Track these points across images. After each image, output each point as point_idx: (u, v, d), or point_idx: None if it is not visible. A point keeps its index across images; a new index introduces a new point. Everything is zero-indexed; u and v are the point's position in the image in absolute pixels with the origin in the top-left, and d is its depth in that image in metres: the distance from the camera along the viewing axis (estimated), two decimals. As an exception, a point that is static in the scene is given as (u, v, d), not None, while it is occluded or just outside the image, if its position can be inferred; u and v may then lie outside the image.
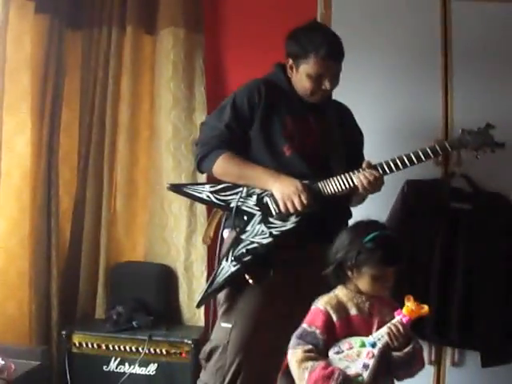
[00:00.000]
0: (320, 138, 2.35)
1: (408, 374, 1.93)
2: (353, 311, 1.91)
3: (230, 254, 2.19)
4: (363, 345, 1.84)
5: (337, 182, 2.22)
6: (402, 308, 1.88)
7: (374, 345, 1.84)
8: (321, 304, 1.93)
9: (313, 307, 1.95)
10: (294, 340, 1.91)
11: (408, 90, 3.00)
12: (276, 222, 2.22)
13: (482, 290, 2.76)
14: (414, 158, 2.21)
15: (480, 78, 2.93)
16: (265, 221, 2.23)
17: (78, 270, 3.35)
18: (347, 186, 2.20)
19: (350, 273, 1.94)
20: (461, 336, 2.77)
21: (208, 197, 2.31)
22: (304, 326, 1.92)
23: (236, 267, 2.17)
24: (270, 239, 2.19)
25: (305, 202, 2.16)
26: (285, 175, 2.24)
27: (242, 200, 2.27)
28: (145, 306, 3.15)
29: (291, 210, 2.18)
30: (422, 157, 2.21)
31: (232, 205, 2.27)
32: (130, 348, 2.96)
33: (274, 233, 2.20)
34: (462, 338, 2.79)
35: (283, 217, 2.22)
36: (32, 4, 3.11)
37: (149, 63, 3.44)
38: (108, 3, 3.39)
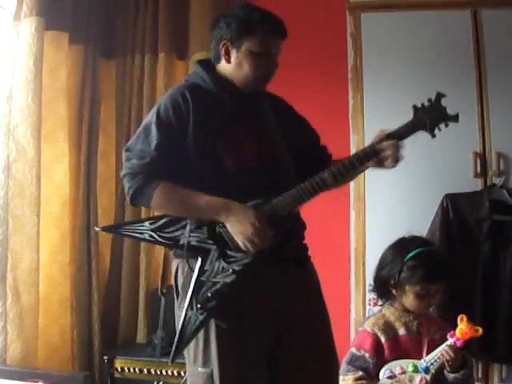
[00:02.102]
0: (261, 142, 2.07)
1: (462, 393, 1.89)
2: (401, 331, 1.87)
3: (194, 301, 1.92)
4: (416, 369, 1.79)
5: (294, 196, 1.95)
6: (454, 329, 1.82)
7: (426, 370, 1.79)
8: (367, 326, 1.90)
9: (360, 329, 1.92)
10: (343, 366, 1.87)
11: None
12: (235, 254, 1.94)
13: (529, 303, 2.70)
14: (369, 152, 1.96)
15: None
16: (223, 256, 1.95)
17: (119, 295, 3.38)
18: (307, 197, 1.96)
19: (394, 290, 1.91)
20: (508, 351, 2.71)
21: (151, 236, 1.99)
22: (352, 350, 1.88)
23: (203, 315, 1.92)
24: (233, 276, 1.92)
25: (265, 241, 1.91)
26: (236, 205, 1.94)
27: (192, 235, 1.96)
28: (185, 330, 3.14)
29: (252, 250, 1.91)
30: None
31: (181, 242, 1.97)
32: (172, 372, 2.95)
33: (237, 268, 1.93)
34: (510, 354, 2.72)
35: (242, 248, 1.94)
36: (66, 35, 3.18)
37: (182, 88, 3.47)
38: (140, 31, 3.46)
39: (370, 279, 2.62)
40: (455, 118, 1.97)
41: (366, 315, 2.72)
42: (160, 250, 3.36)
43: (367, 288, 2.74)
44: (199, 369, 2.01)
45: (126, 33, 3.51)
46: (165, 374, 2.96)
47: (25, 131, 2.92)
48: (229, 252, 1.95)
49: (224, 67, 2.08)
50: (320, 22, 3.37)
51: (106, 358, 3.04)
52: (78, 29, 3.27)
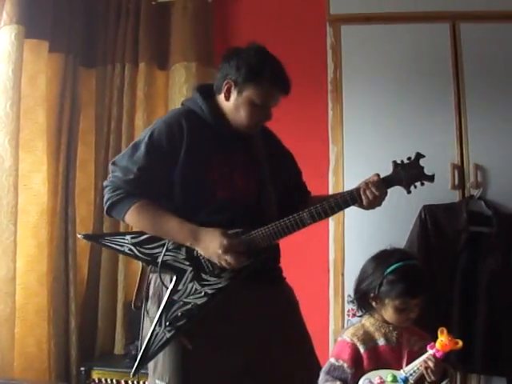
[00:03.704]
0: (249, 177, 2.14)
1: (443, 404, 1.89)
2: (380, 341, 1.86)
3: (163, 318, 1.97)
4: (395, 379, 1.78)
5: (273, 231, 2.01)
6: (434, 340, 1.82)
7: (405, 380, 1.78)
8: (346, 336, 1.89)
9: (339, 339, 1.91)
10: (322, 376, 1.86)
11: (420, 119, 2.98)
12: (210, 278, 2.01)
13: (506, 314, 2.71)
14: (349, 200, 2.06)
15: (494, 101, 2.92)
16: (197, 278, 2.01)
17: (97, 306, 3.36)
18: (284, 233, 2.03)
19: (373, 303, 1.91)
20: (486, 362, 2.72)
21: (131, 250, 2.04)
22: (331, 360, 1.88)
23: (171, 333, 1.97)
24: (204, 299, 1.99)
25: (238, 257, 1.96)
26: (202, 230, 1.99)
27: (170, 254, 2.02)
28: (164, 341, 3.12)
29: (228, 268, 1.98)
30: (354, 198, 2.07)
31: (158, 260, 2.02)
32: (150, 383, 2.93)
33: (209, 292, 2.00)
34: (487, 364, 2.74)
35: (217, 273, 2.01)
36: (46, 43, 3.18)
37: (162, 98, 3.48)
38: (120, 41, 3.46)
39: (348, 290, 2.62)
40: (431, 178, 2.08)
41: (345, 326, 2.72)
42: (138, 262, 3.35)
43: (346, 299, 2.76)
44: (156, 381, 2.05)
45: (106, 42, 3.51)
46: (142, 385, 2.94)
47: (3, 139, 2.91)
48: (203, 275, 2.01)
49: (222, 102, 2.13)
50: (300, 33, 3.39)
51: (83, 369, 3.03)
52: (58, 37, 3.27)
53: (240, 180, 2.12)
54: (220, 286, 2.01)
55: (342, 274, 2.96)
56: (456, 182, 2.89)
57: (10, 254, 2.89)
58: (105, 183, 2.11)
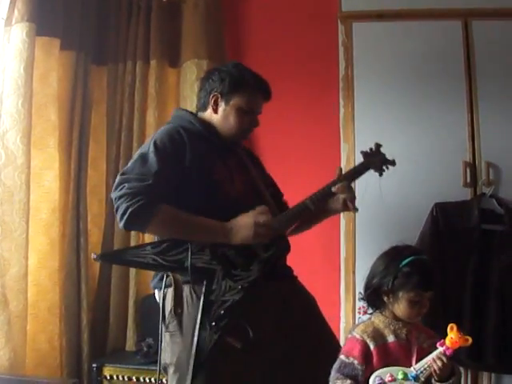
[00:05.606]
0: (245, 181, 2.23)
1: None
2: (390, 338, 1.87)
3: (206, 321, 1.97)
4: (406, 377, 1.78)
5: (288, 217, 2.15)
6: (443, 338, 1.82)
7: (416, 378, 1.79)
8: (356, 333, 1.90)
9: (349, 336, 1.92)
10: (333, 373, 1.87)
11: (432, 117, 2.98)
12: (241, 273, 2.04)
13: (518, 312, 2.71)
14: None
15: (506, 99, 2.91)
16: (229, 275, 2.02)
17: (108, 303, 3.36)
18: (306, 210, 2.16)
19: (386, 298, 1.92)
20: (497, 360, 2.71)
21: (154, 260, 1.98)
22: (341, 357, 1.88)
23: (218, 334, 1.96)
24: (241, 293, 2.01)
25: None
26: (227, 224, 2.05)
27: (195, 257, 2.01)
28: (175, 337, 3.13)
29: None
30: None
31: (186, 264, 1.99)
32: (161, 381, 2.93)
33: (245, 285, 2.03)
34: (499, 362, 2.73)
35: (246, 265, 2.05)
36: (58, 41, 3.18)
37: (173, 95, 3.50)
38: (132, 38, 3.47)
39: (359, 288, 2.61)
40: (393, 162, 2.33)
41: (356, 324, 2.72)
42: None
43: (357, 296, 2.76)
44: None
45: (117, 39, 3.51)
46: (154, 381, 2.94)
47: (15, 137, 2.91)
48: (234, 271, 2.04)
49: (210, 116, 2.26)
50: (312, 30, 3.39)
51: (94, 365, 3.03)
52: (69, 35, 3.27)
53: (239, 183, 2.21)
54: (252, 278, 2.05)
55: (353, 272, 2.96)
56: (468, 179, 2.89)
57: (21, 251, 2.90)
58: (116, 195, 2.01)
